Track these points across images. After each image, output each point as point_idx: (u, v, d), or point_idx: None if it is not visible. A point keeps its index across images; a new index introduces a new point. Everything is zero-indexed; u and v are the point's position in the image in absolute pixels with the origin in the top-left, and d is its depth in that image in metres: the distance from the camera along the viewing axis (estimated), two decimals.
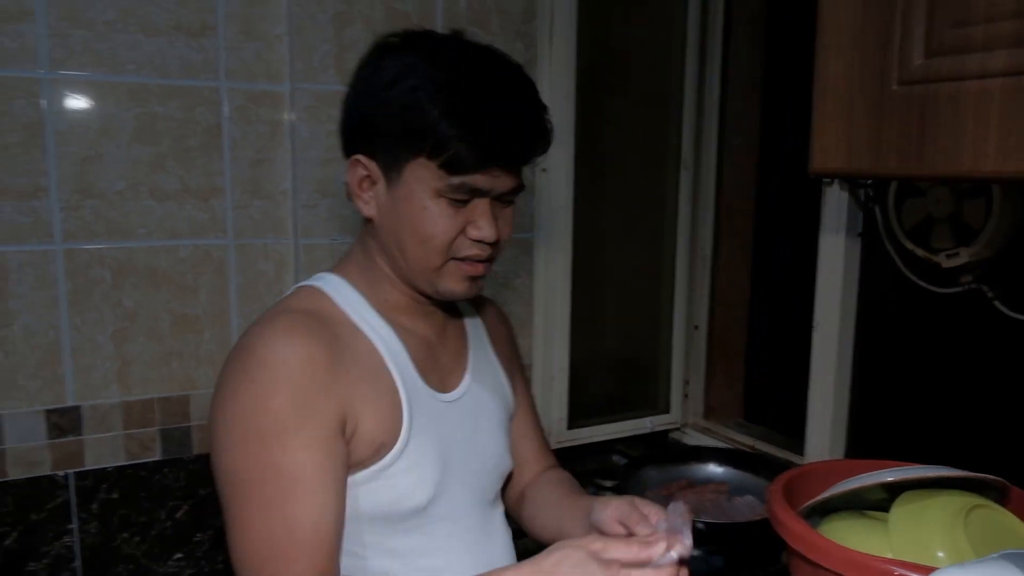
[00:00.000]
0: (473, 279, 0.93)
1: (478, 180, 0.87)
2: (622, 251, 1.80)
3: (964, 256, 1.12)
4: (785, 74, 1.67)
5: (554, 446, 1.65)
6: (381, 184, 0.90)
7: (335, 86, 1.46)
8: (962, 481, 0.94)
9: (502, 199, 0.91)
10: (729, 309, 1.76)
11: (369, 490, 0.90)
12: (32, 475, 1.37)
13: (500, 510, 1.07)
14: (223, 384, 0.88)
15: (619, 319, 1.81)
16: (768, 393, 1.73)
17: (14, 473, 1.36)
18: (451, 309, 1.05)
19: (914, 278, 1.21)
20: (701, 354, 1.77)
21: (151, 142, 1.38)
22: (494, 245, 0.92)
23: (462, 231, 0.89)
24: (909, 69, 0.80)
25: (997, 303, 1.10)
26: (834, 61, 0.86)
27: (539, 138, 0.90)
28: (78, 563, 1.42)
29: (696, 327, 1.78)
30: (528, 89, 0.91)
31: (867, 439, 1.36)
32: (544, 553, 0.80)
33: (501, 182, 0.89)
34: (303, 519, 0.82)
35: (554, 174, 1.62)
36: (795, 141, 1.57)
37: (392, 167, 0.88)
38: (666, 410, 1.80)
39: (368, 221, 0.95)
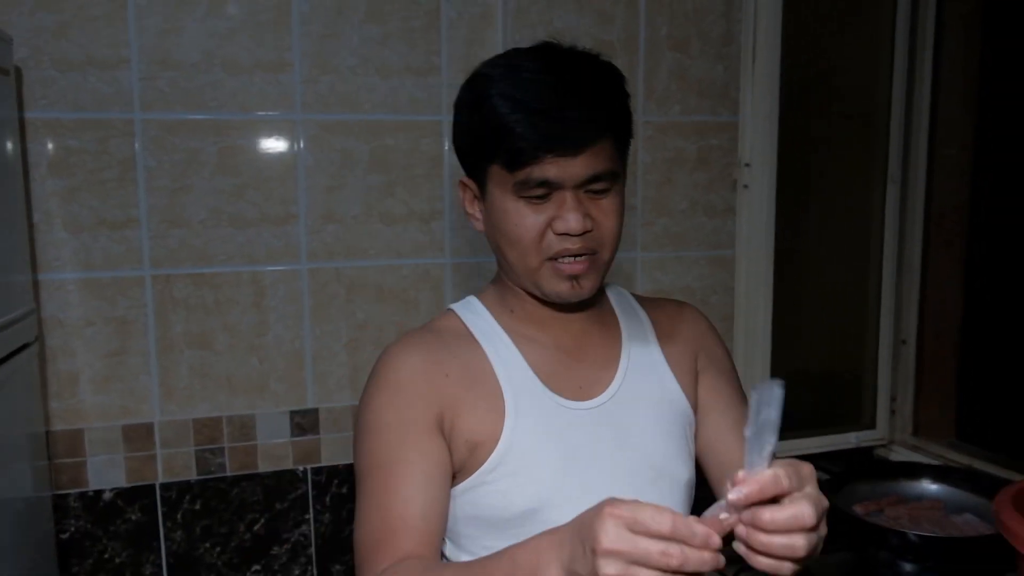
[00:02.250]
0: (574, 278, 0.91)
1: (541, 171, 0.87)
2: (827, 266, 1.81)
3: None
4: (1002, 78, 1.63)
5: None
6: (480, 199, 0.95)
7: None
8: None
9: (592, 190, 0.90)
10: (940, 323, 1.72)
11: (475, 496, 0.93)
12: (278, 468, 1.57)
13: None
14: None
15: (824, 334, 1.81)
16: (984, 411, 1.66)
17: (264, 466, 1.56)
18: (599, 315, 1.04)
19: None
20: (909, 369, 1.74)
21: (383, 172, 1.56)
22: (588, 238, 0.90)
23: (548, 227, 0.89)
24: None
25: None
26: None
27: (587, 117, 0.87)
28: (312, 550, 1.60)
29: (904, 341, 1.75)
30: (585, 75, 0.90)
31: None
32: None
33: (570, 170, 0.87)
34: (398, 507, 0.87)
35: (755, 191, 1.66)
36: (1013, 148, 1.53)
37: (481, 181, 0.93)
38: (872, 426, 1.77)
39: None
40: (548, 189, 0.88)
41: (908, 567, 1.30)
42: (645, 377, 1.01)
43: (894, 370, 1.75)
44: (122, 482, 1.49)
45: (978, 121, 1.67)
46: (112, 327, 1.46)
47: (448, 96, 1.58)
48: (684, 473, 1.00)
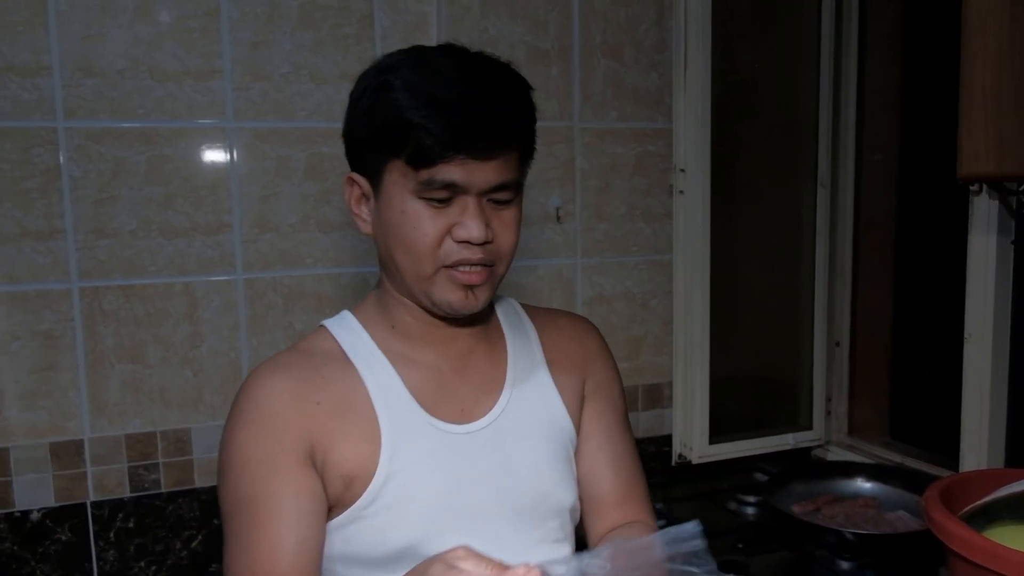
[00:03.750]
0: (469, 288, 0.87)
1: (448, 172, 0.82)
2: (760, 270, 1.84)
3: None
4: (924, 88, 1.68)
5: (695, 462, 1.69)
6: (370, 198, 0.90)
7: None
8: None
9: (494, 200, 0.87)
10: (872, 325, 1.77)
11: (349, 533, 0.88)
12: (215, 484, 1.53)
13: (558, 549, 0.97)
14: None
15: (759, 337, 1.84)
16: (916, 410, 1.70)
17: (200, 481, 1.53)
18: (485, 332, 0.99)
19: None
20: (843, 371, 1.78)
21: (319, 179, 1.54)
22: (487, 249, 0.86)
23: (447, 234, 0.85)
24: None
25: None
26: (981, 69, 0.90)
27: (505, 123, 0.85)
28: None
29: (837, 344, 1.79)
30: (500, 80, 0.87)
31: None
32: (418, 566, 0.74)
33: (479, 175, 0.83)
34: (266, 547, 0.82)
35: (690, 196, 1.69)
36: (936, 154, 1.58)
37: (375, 177, 0.88)
38: (808, 427, 1.81)
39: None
40: (452, 192, 0.84)
41: (845, 565, 1.33)
42: (530, 399, 0.97)
43: (829, 372, 1.79)
44: (51, 502, 1.45)
45: (902, 128, 1.72)
46: (39, 341, 1.42)
47: None
48: (568, 499, 0.97)
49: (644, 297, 1.77)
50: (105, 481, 1.48)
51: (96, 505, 1.47)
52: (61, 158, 1.40)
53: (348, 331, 0.94)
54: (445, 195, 0.84)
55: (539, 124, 1.68)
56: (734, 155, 1.77)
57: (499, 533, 0.91)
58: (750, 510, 1.55)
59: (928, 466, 1.57)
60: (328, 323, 0.97)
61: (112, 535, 1.49)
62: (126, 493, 1.49)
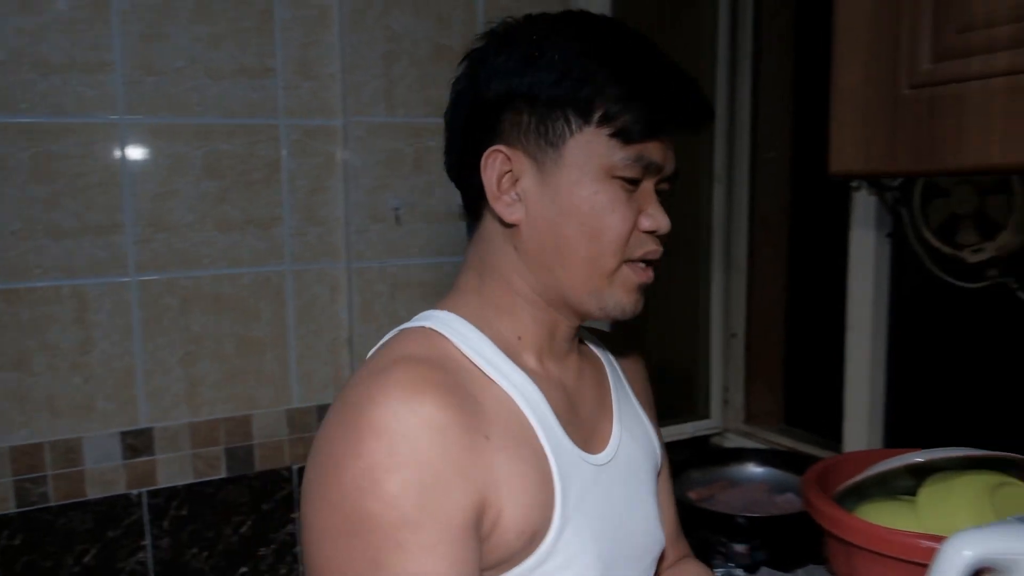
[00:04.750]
0: (642, 289, 0.79)
1: (653, 151, 0.74)
2: (660, 265, 1.89)
3: (989, 251, 1.20)
4: (817, 88, 1.77)
5: None
6: (530, 177, 0.75)
7: (384, 118, 1.59)
8: (990, 463, 1.01)
9: (661, 190, 0.80)
10: (766, 317, 1.85)
11: None
12: (109, 494, 1.49)
13: None
14: (322, 451, 0.68)
15: (659, 330, 1.90)
16: (808, 397, 1.80)
17: (92, 492, 1.49)
18: (582, 347, 0.89)
19: (943, 275, 1.29)
20: (740, 361, 1.86)
21: (217, 177, 1.51)
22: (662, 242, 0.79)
23: (635, 225, 0.75)
24: (918, 73, 0.90)
25: (1021, 295, 1.18)
26: (848, 68, 0.96)
27: (706, 102, 0.78)
28: None
29: (734, 335, 1.87)
30: (677, 62, 0.80)
31: (905, 434, 1.43)
32: None
33: (670, 157, 0.77)
34: None
35: None
36: (827, 151, 1.67)
37: (547, 150, 0.74)
38: (707, 416, 1.88)
39: (501, 227, 0.78)
40: (645, 173, 0.75)
41: (739, 547, 1.39)
42: (632, 421, 0.88)
43: (726, 362, 1.87)
44: None
45: (795, 126, 1.81)
46: None
47: (285, 98, 1.56)
48: (663, 542, 0.89)
49: None
50: None
51: None
52: None
53: (465, 337, 0.75)
54: (640, 175, 0.75)
55: None
56: None
57: None
58: None
59: (818, 450, 1.67)
60: (428, 324, 0.75)
61: None
62: (11, 508, 1.42)
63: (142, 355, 1.50)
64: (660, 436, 0.95)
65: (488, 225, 0.80)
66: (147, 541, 1.53)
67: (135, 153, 1.46)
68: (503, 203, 0.76)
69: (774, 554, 1.36)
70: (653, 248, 0.78)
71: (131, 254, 1.48)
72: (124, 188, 1.46)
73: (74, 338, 1.45)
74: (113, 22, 1.42)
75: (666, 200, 0.82)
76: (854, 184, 1.36)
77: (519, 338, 0.79)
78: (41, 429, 1.44)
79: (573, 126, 0.74)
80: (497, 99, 0.76)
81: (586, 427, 0.81)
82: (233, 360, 1.57)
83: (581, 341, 0.90)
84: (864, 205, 1.42)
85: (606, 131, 0.73)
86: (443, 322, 0.76)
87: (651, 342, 1.90)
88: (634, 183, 0.75)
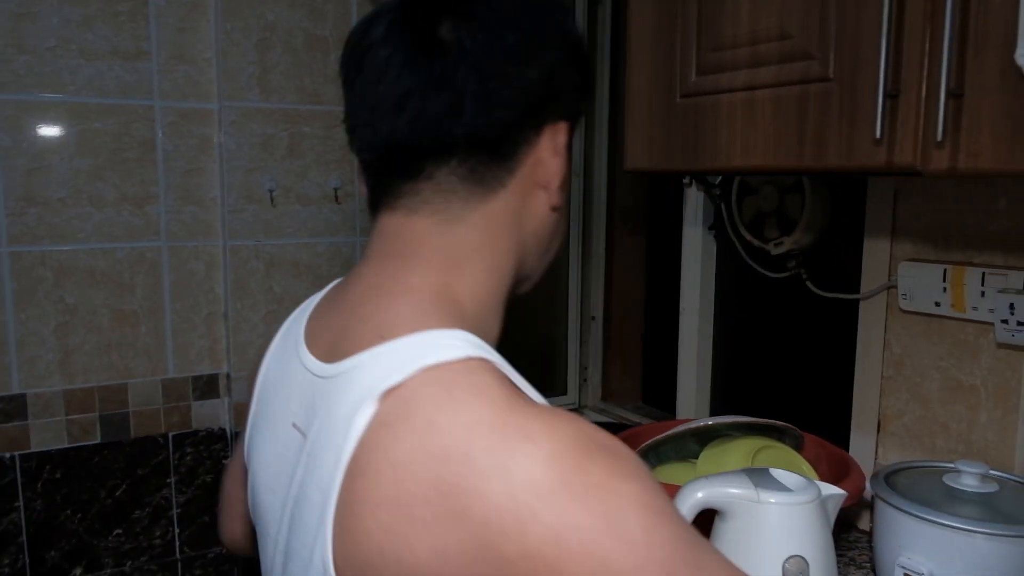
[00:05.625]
0: None
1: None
2: None
3: (787, 244, 1.34)
4: None
5: None
6: (559, 159, 0.69)
7: (258, 103, 1.67)
8: (763, 428, 1.15)
9: None
10: (625, 302, 1.99)
11: None
12: None
13: None
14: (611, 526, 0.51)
15: (521, 312, 2.02)
16: (665, 378, 1.94)
17: None
18: None
19: (755, 265, 1.43)
20: (599, 343, 1.99)
21: (91, 155, 1.57)
22: None
23: None
24: (687, 84, 1.03)
25: (809, 283, 1.32)
26: (637, 76, 1.08)
27: None
28: (23, 538, 1.59)
29: (593, 318, 2.00)
30: None
31: (728, 404, 1.58)
32: None
33: None
34: None
35: None
36: None
37: (569, 126, 0.70)
38: (564, 392, 2.01)
39: (524, 217, 0.69)
40: None
41: None
42: None
43: (584, 344, 2.00)
44: None
45: None
46: None
47: (160, 82, 1.62)
48: None
49: None
50: None
51: None
52: None
53: (500, 362, 0.62)
54: None
55: (320, 108, 1.77)
56: None
57: None
58: None
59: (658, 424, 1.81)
60: (478, 352, 0.60)
61: None
62: None
63: (14, 324, 1.56)
64: None
65: (505, 205, 0.67)
66: (20, 503, 1.59)
67: (4, 128, 1.51)
68: (555, 184, 0.69)
69: None
70: None
71: (3, 226, 1.53)
72: None
73: None
74: None
75: None
76: (685, 181, 1.50)
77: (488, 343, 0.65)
78: None
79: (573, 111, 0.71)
80: (547, 72, 0.66)
81: None
82: (108, 332, 1.64)
83: None
84: (695, 200, 1.56)
85: (572, 118, 0.71)
86: (479, 349, 0.61)
87: (512, 323, 2.02)
88: None
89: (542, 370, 2.04)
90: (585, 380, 2.01)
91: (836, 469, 1.15)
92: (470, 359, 0.59)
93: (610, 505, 0.51)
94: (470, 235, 0.67)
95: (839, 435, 1.29)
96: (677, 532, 0.53)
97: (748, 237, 1.42)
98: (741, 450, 1.12)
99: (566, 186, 0.71)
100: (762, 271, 1.43)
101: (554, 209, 0.70)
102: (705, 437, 1.20)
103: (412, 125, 0.63)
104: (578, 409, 2.03)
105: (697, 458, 1.20)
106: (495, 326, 0.71)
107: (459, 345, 0.59)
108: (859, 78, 0.79)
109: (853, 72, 0.80)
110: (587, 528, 0.50)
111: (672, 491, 1.04)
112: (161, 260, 1.67)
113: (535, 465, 0.51)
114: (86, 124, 1.57)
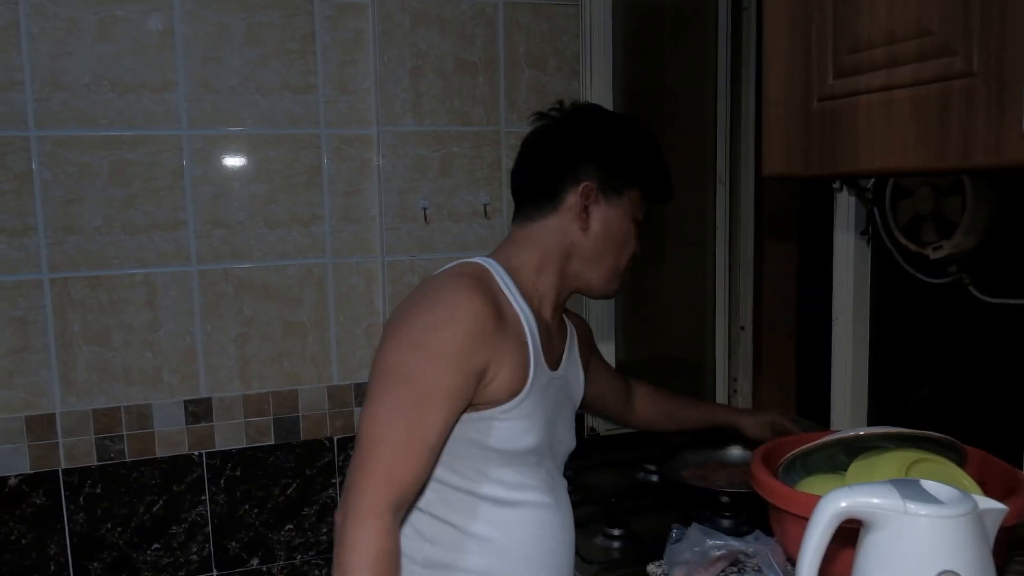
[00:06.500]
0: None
1: (647, 209, 1.23)
2: (670, 261, 2.02)
3: (947, 248, 1.28)
4: None
5: (603, 434, 1.88)
6: (600, 207, 1.19)
7: (412, 127, 1.78)
8: (917, 440, 1.10)
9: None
10: (776, 311, 1.94)
11: (497, 426, 1.12)
12: (174, 454, 1.73)
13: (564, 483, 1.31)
14: (404, 311, 1.10)
15: (669, 322, 2.02)
16: (817, 389, 1.87)
17: (161, 451, 1.73)
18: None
19: (912, 270, 1.37)
20: (748, 353, 1.95)
21: (266, 180, 1.73)
22: None
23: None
24: (824, 88, 1.02)
25: (972, 289, 1.25)
26: (774, 82, 1.08)
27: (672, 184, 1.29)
28: (209, 529, 1.76)
29: (742, 328, 1.96)
30: None
31: (886, 417, 1.51)
32: None
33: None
34: (423, 432, 1.03)
35: None
36: None
37: (612, 192, 1.19)
38: None
39: (560, 236, 1.21)
40: (643, 220, 1.24)
41: (725, 522, 1.50)
42: (571, 364, 1.31)
43: (733, 354, 1.96)
44: (26, 469, 1.64)
45: None
46: (14, 327, 1.62)
47: (325, 111, 1.76)
48: (573, 445, 1.31)
49: None
50: (75, 451, 1.68)
51: (67, 472, 1.67)
52: (33, 164, 1.60)
53: (501, 276, 1.16)
54: (642, 220, 1.24)
55: (468, 129, 1.87)
56: None
57: (559, 457, 1.27)
58: (653, 477, 1.72)
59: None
60: (483, 263, 1.17)
61: (82, 499, 1.68)
62: (94, 462, 1.69)
63: (201, 335, 1.74)
64: (594, 367, 1.48)
65: (555, 223, 1.21)
66: (205, 496, 1.77)
67: (195, 160, 1.70)
68: (581, 218, 1.19)
69: (754, 527, 1.47)
70: (631, 264, 1.25)
71: (193, 247, 1.72)
72: (187, 190, 1.70)
73: (145, 319, 1.70)
74: (177, 47, 1.67)
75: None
76: (835, 185, 1.45)
77: (536, 289, 1.21)
78: (118, 396, 1.70)
79: (629, 187, 1.21)
80: (589, 155, 1.20)
81: (549, 355, 1.22)
82: (280, 342, 1.80)
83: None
84: (845, 204, 1.51)
85: (644, 192, 1.23)
86: (491, 264, 1.18)
87: (660, 333, 2.02)
88: (637, 224, 1.23)
89: (689, 382, 2.03)
90: (734, 391, 1.97)
91: (1006, 486, 1.08)
92: (476, 262, 1.17)
93: (400, 317, 1.10)
94: (530, 233, 1.22)
95: (1011, 451, 1.21)
96: (414, 362, 1.05)
97: (904, 241, 1.36)
98: (893, 462, 1.08)
99: (588, 219, 1.20)
100: (920, 276, 1.37)
101: (579, 229, 1.19)
102: (856, 449, 1.16)
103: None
104: None
105: (845, 470, 1.17)
106: (537, 282, 1.20)
107: (487, 260, 1.18)
108: (1006, 71, 0.76)
109: (1000, 66, 0.77)
110: (391, 322, 1.11)
111: (808, 499, 1.02)
112: (326, 275, 1.82)
113: (410, 297, 1.13)
114: (262, 153, 1.74)
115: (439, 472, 1.12)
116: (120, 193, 1.66)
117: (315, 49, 1.75)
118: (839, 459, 1.19)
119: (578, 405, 1.37)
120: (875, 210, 1.41)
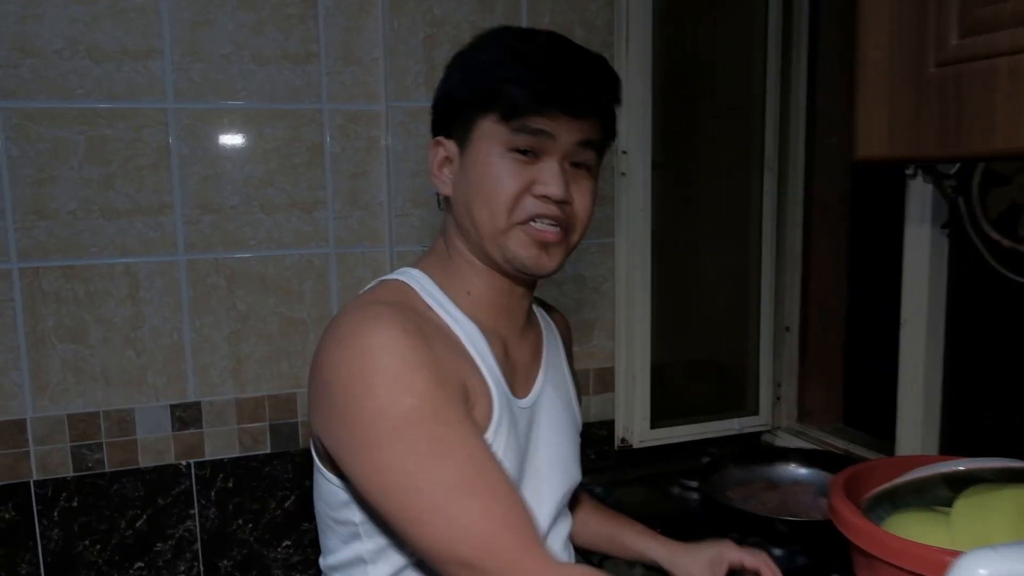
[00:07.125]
0: (543, 245, 0.92)
1: (538, 121, 0.88)
2: (709, 254, 1.86)
3: None
4: None
5: (636, 446, 1.71)
6: (456, 160, 0.95)
7: (426, 103, 1.59)
8: None
9: (575, 162, 0.93)
10: (824, 310, 1.78)
11: None
12: (159, 463, 1.57)
13: (568, 523, 1.09)
14: (337, 377, 0.85)
15: (707, 321, 1.85)
16: (870, 396, 1.71)
17: (144, 461, 1.57)
18: (531, 312, 1.07)
19: (1003, 270, 1.20)
20: (793, 356, 1.79)
21: (262, 161, 1.55)
22: (565, 210, 0.92)
23: (527, 191, 0.90)
24: (945, 50, 0.84)
25: None
26: (873, 49, 0.90)
27: (593, 84, 0.91)
28: (198, 546, 1.60)
29: (787, 328, 1.80)
30: (589, 53, 0.94)
31: (962, 438, 1.34)
32: None
33: (566, 129, 0.89)
34: (497, 477, 0.84)
35: (632, 179, 1.70)
36: None
37: (464, 136, 0.93)
38: (755, 412, 1.81)
39: (447, 201, 0.98)
40: (539, 145, 0.90)
41: (777, 551, 1.34)
42: (558, 378, 1.07)
43: (777, 357, 1.80)
44: None
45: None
46: None
47: (328, 84, 1.58)
48: (578, 478, 1.08)
49: (595, 281, 1.78)
50: (48, 460, 1.51)
51: (39, 484, 1.50)
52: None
53: (427, 289, 0.95)
54: (533, 144, 0.90)
55: None
56: (684, 138, 1.77)
57: (551, 503, 1.02)
58: (693, 495, 1.56)
59: (872, 453, 1.59)
60: (401, 278, 0.96)
61: (56, 514, 1.52)
62: (69, 472, 1.52)
63: (190, 332, 1.57)
64: (579, 393, 1.16)
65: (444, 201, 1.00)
66: (194, 510, 1.60)
67: (183, 137, 1.52)
68: (439, 180, 0.98)
69: (814, 560, 1.31)
70: (543, 211, 0.91)
71: (180, 234, 1.54)
72: (174, 170, 1.52)
73: (127, 313, 1.53)
74: (162, 10, 1.48)
75: (593, 173, 0.97)
76: (909, 172, 1.28)
77: (468, 293, 0.97)
78: (96, 399, 1.53)
79: (474, 114, 0.92)
80: (438, 99, 1.00)
81: (517, 374, 0.99)
82: (278, 340, 1.62)
83: (530, 308, 1.08)
84: (920, 193, 1.33)
85: (497, 112, 0.90)
86: (412, 277, 0.97)
87: (697, 334, 1.85)
88: (528, 154, 0.90)
89: (730, 387, 1.86)
90: (779, 398, 1.81)
91: None
92: (395, 279, 0.97)
93: (355, 390, 0.83)
94: (442, 222, 1.04)
95: None
96: (418, 432, 0.82)
97: (995, 236, 1.19)
98: (1011, 502, 0.91)
99: (449, 180, 0.97)
100: (1012, 276, 1.20)
101: (445, 197, 0.98)
102: (954, 481, 0.99)
103: None
104: (771, 431, 1.83)
105: (944, 505, 1.00)
106: (460, 281, 0.97)
107: (408, 272, 0.99)
108: None
109: None
110: (336, 404, 0.85)
111: (921, 551, 0.86)
112: (329, 267, 1.64)
113: (325, 343, 0.88)
114: (257, 129, 1.56)
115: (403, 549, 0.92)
116: (98, 173, 1.48)
117: (317, 14, 1.56)
118: (934, 493, 1.02)
119: (579, 428, 1.12)
120: (959, 200, 1.24)
